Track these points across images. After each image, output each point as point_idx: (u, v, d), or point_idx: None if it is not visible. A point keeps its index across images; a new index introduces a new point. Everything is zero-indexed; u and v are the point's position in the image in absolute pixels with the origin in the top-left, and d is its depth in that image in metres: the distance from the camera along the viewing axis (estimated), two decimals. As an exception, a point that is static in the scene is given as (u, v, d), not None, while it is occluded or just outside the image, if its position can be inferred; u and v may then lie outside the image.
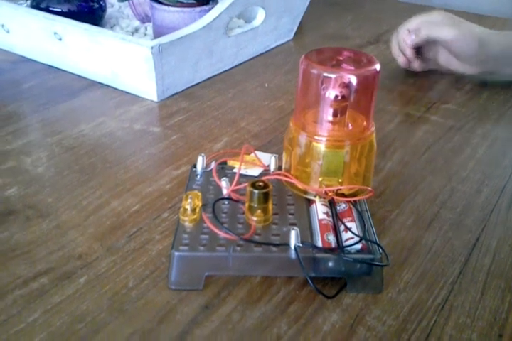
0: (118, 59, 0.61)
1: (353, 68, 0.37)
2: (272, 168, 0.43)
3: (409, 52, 0.65)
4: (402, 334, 0.33)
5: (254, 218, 0.37)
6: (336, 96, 0.37)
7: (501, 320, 0.34)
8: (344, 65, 0.37)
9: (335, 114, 0.38)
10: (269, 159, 0.44)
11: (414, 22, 0.64)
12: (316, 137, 0.38)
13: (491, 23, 0.87)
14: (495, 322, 0.34)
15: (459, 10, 0.92)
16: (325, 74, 0.36)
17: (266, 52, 0.75)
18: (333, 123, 0.38)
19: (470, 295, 0.36)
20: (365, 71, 0.36)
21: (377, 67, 0.36)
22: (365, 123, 0.39)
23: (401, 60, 0.67)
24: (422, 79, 0.68)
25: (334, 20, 0.88)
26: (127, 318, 0.34)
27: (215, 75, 0.68)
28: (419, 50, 0.66)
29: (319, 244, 0.36)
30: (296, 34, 0.80)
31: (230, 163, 0.44)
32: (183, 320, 0.34)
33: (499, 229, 0.42)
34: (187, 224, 0.37)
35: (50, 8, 0.69)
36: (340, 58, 0.37)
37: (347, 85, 0.36)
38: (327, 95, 0.37)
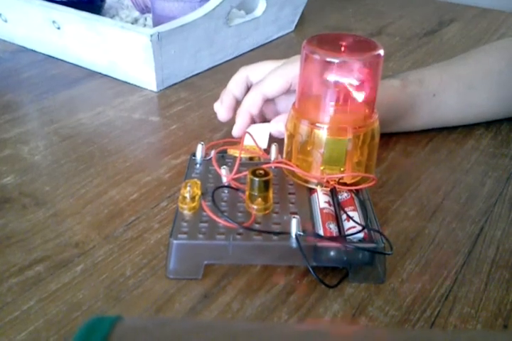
0: (117, 48, 0.60)
1: (356, 53, 0.36)
2: (273, 156, 0.43)
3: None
4: (405, 325, 0.32)
5: (255, 206, 0.36)
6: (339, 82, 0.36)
7: (506, 310, 0.34)
8: (347, 50, 0.36)
9: (337, 101, 0.37)
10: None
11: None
12: (317, 124, 0.37)
13: (494, 17, 0.86)
14: (499, 313, 0.33)
15: (462, 3, 0.91)
16: (327, 59, 0.35)
17: (267, 43, 0.74)
18: (335, 110, 0.37)
19: (474, 285, 0.35)
20: (368, 56, 0.35)
21: (381, 52, 0.35)
22: (367, 110, 0.38)
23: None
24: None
25: (336, 12, 0.87)
26: (124, 307, 0.33)
27: (216, 65, 0.67)
28: None
29: (321, 232, 0.35)
30: (297, 26, 0.80)
31: (230, 151, 0.44)
32: (182, 309, 0.33)
33: (503, 220, 0.41)
34: (186, 212, 0.36)
35: (49, -2, 0.68)
36: (343, 43, 0.37)
37: (350, 71, 0.35)
38: (329, 81, 0.36)
